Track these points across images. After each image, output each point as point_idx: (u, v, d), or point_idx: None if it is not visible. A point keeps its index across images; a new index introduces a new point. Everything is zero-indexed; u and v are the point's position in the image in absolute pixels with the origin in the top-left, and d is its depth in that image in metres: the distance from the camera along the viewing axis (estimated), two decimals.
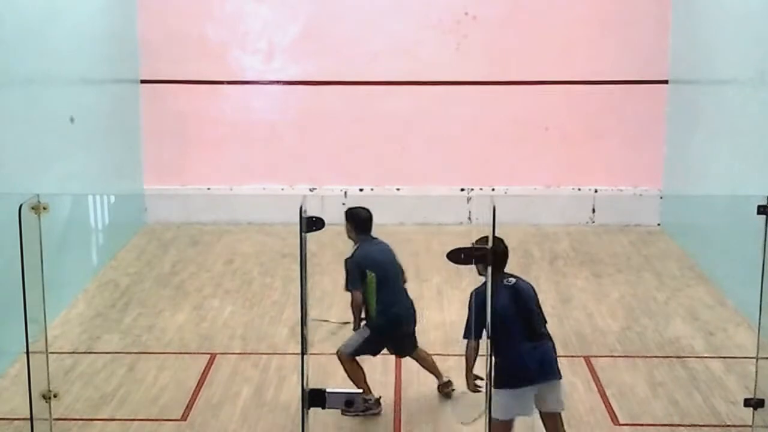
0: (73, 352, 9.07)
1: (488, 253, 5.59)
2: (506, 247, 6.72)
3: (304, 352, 5.21)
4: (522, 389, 6.51)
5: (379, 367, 8.50)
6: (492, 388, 5.93)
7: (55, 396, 6.77)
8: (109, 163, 12.13)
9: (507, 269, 6.79)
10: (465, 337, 6.74)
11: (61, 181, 10.14)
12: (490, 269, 5.63)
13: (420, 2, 13.18)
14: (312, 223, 5.49)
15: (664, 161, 13.21)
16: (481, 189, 13.30)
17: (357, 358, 7.80)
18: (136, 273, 11.42)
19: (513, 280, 6.69)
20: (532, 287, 6.79)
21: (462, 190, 13.40)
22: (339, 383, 7.52)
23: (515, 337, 6.51)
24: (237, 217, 13.39)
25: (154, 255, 12.13)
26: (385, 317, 7.79)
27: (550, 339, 6.73)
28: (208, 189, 13.46)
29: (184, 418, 7.85)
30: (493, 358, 6.03)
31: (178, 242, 12.67)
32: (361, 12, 13.20)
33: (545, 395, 6.61)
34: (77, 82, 11.05)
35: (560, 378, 6.65)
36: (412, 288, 10.61)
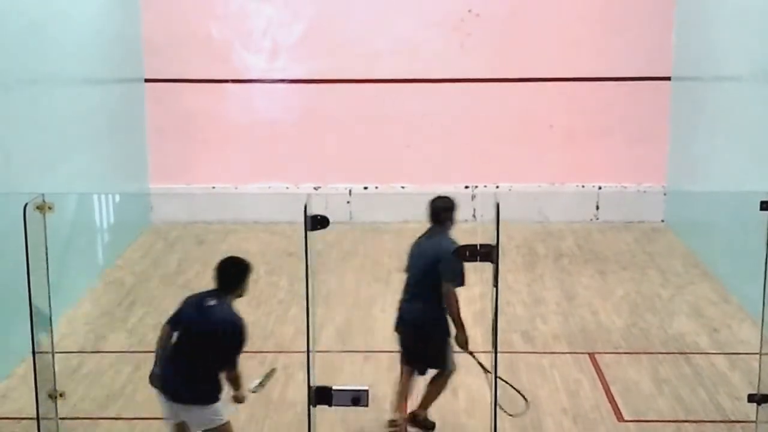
0: (79, 352, 9.10)
1: (494, 251, 5.61)
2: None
3: (310, 350, 5.24)
4: None
5: (384, 364, 8.55)
6: None
7: (61, 395, 6.80)
8: (114, 162, 12.15)
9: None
10: None
11: (67, 181, 10.16)
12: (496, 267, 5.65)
13: (424, 0, 13.19)
14: (317, 222, 5.52)
15: (668, 158, 13.21)
16: (485, 186, 13.31)
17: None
18: (141, 272, 11.44)
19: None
20: None
21: (466, 187, 13.40)
22: (345, 381, 7.53)
23: None
24: (242, 216, 13.41)
25: (159, 254, 12.16)
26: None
27: None
28: (213, 188, 13.48)
29: None
30: (496, 355, 6.06)
31: (184, 241, 12.69)
32: (365, 10, 13.21)
33: None
34: (82, 81, 11.07)
35: None
36: None
